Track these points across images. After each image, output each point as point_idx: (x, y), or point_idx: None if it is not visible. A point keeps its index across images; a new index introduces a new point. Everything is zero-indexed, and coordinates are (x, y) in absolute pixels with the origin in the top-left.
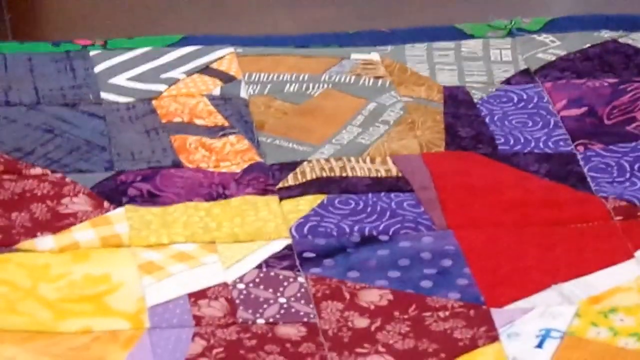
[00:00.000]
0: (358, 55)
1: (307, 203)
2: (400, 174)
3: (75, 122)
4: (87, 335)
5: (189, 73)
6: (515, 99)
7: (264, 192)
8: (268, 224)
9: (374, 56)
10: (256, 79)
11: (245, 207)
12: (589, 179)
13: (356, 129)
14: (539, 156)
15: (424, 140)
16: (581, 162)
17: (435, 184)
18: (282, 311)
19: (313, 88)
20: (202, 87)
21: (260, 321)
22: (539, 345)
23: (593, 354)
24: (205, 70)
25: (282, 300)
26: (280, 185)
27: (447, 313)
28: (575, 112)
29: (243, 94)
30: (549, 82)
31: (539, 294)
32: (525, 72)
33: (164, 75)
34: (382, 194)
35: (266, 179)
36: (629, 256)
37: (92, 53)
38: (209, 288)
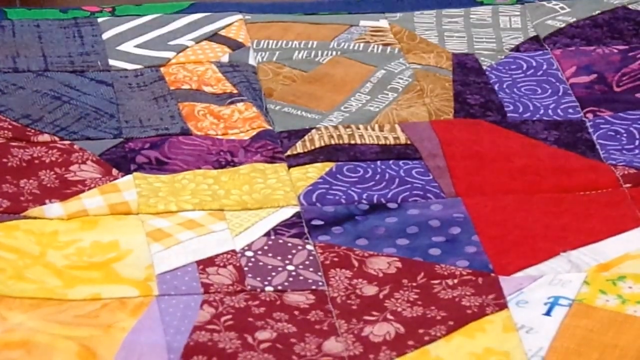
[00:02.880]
0: (367, 22)
1: (316, 170)
2: (408, 142)
3: (84, 89)
4: (96, 303)
5: (197, 40)
6: (525, 66)
7: (273, 159)
8: (276, 192)
9: (383, 23)
10: (264, 46)
11: (254, 175)
12: (598, 147)
13: (365, 96)
14: (548, 123)
15: (433, 107)
16: (590, 130)
17: (444, 151)
18: (291, 279)
19: (322, 55)
20: (211, 54)
21: (269, 289)
22: (548, 313)
23: (601, 322)
24: (214, 37)
25: (291, 267)
26: (288, 152)
27: (455, 281)
28: (584, 79)
29: (251, 61)
30: (558, 49)
31: (548, 261)
32: (535, 39)
33: (172, 42)
34: (391, 161)
35: (275, 146)
36: (638, 223)
37: (100, 20)
38: (217, 255)
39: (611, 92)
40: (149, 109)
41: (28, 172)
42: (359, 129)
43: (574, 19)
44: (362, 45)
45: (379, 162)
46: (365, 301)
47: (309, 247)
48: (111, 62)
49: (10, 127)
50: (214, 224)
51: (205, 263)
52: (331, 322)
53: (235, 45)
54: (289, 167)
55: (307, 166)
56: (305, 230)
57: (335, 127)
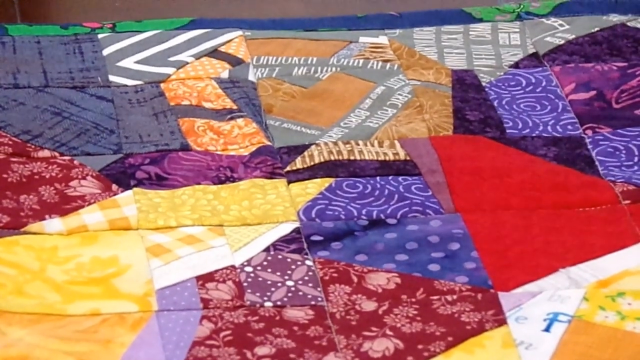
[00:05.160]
0: (366, 39)
1: (315, 186)
2: (408, 158)
3: (84, 105)
4: (95, 318)
5: (197, 56)
6: (524, 83)
7: (272, 175)
8: (276, 207)
9: (383, 39)
10: (264, 62)
11: (253, 190)
12: (597, 163)
13: (364, 112)
14: (547, 140)
15: (432, 123)
16: (589, 146)
17: (443, 167)
18: (290, 294)
19: (321, 71)
20: (211, 70)
21: (268, 304)
22: (547, 329)
23: (601, 338)
24: (214, 53)
25: (290, 283)
26: (288, 168)
27: (454, 297)
28: (583, 95)
29: (251, 77)
30: (558, 65)
31: (547, 277)
32: (534, 55)
33: (172, 58)
34: (390, 177)
35: (274, 162)
36: (637, 240)
37: (100, 36)
38: (216, 271)
39: (610, 108)
40: (149, 125)
41: (28, 187)
42: (358, 144)
43: (573, 36)
44: (361, 61)
45: (378, 178)
46: (364, 317)
47: (309, 262)
48: (111, 78)
49: (10, 142)
50: (213, 239)
51: (205, 278)
52: (330, 338)
53: (235, 62)
54: (289, 182)
55: (306, 182)
56: (305, 245)
57: (335, 143)
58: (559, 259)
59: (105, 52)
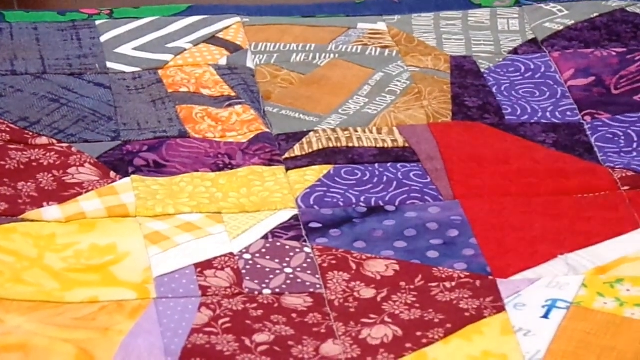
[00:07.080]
0: (365, 25)
1: (314, 173)
2: (406, 144)
3: (82, 92)
4: (94, 305)
5: (195, 43)
6: (523, 69)
7: (271, 162)
8: (274, 195)
9: (381, 26)
10: (262, 49)
11: (252, 178)
12: (596, 149)
13: (363, 99)
14: (546, 126)
15: (431, 110)
16: (588, 132)
17: (441, 154)
18: (288, 281)
19: (319, 58)
20: (209, 57)
21: (267, 291)
22: (545, 316)
23: (599, 324)
24: (212, 39)
25: (288, 270)
26: (286, 155)
27: (453, 283)
28: (582, 81)
29: (249, 63)
30: (557, 51)
31: (546, 264)
32: (533, 41)
33: (170, 45)
34: (389, 164)
35: (272, 149)
36: (636, 226)
37: (98, 22)
38: (215, 258)
39: (609, 94)
40: (147, 112)
41: (26, 174)
42: (357, 131)
43: (572, 22)
44: (360, 47)
45: (377, 165)
46: (363, 304)
47: (307, 249)
48: (109, 64)
49: (8, 129)
50: (211, 226)
51: (203, 266)
52: (329, 325)
53: (233, 48)
54: (287, 169)
55: (305, 169)
56: (303, 233)
57: (333, 130)
58: (557, 245)
59: (103, 38)
